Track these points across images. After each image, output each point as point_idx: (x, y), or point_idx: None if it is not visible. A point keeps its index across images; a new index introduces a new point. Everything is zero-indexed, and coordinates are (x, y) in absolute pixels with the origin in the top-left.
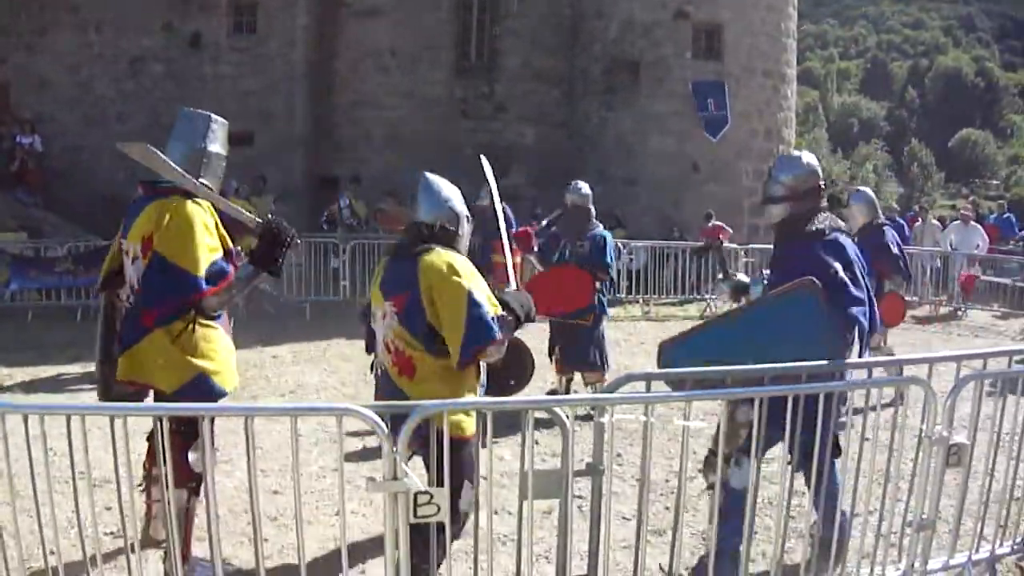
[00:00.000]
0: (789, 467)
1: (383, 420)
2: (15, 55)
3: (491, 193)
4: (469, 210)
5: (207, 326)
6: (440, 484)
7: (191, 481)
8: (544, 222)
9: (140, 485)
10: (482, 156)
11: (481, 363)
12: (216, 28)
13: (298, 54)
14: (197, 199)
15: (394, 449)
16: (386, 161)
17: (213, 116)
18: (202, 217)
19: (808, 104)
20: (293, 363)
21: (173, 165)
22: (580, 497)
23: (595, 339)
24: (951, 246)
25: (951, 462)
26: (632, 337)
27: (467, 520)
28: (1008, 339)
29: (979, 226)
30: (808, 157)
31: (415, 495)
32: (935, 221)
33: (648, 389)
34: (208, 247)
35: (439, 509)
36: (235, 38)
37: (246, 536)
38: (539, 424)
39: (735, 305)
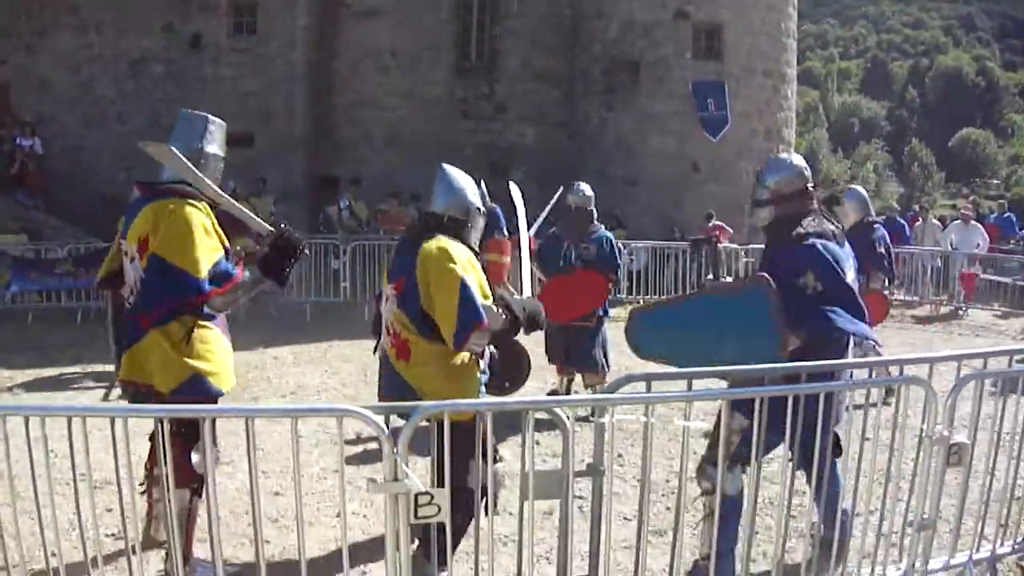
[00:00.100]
0: (790, 467)
1: (384, 421)
2: (15, 56)
3: (518, 219)
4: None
5: (204, 327)
6: (441, 485)
7: (193, 482)
8: (543, 215)
9: (142, 484)
10: (512, 183)
11: (485, 353)
12: (216, 29)
13: (298, 55)
14: (194, 200)
15: (395, 450)
16: (386, 161)
17: (211, 117)
18: (200, 218)
19: (808, 104)
20: (294, 364)
21: (193, 169)
22: (581, 497)
23: (598, 341)
24: (951, 246)
25: (952, 462)
26: None
27: (487, 497)
28: (1009, 338)
29: (979, 226)
30: (796, 159)
31: (416, 496)
32: (935, 221)
33: (648, 389)
34: (209, 248)
35: (440, 510)
36: (235, 39)
37: (247, 537)
38: (540, 425)
39: None
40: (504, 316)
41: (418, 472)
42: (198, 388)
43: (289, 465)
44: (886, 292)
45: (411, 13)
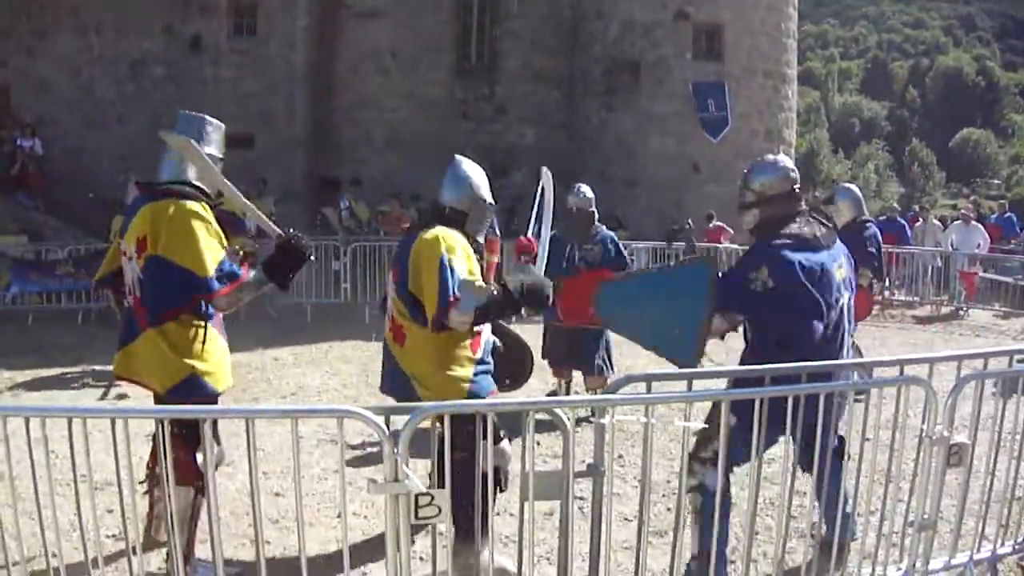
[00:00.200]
0: (790, 467)
1: (384, 422)
2: (15, 58)
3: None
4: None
5: (201, 327)
6: (441, 485)
7: (197, 479)
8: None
9: (142, 483)
10: (544, 169)
11: (480, 341)
12: (216, 30)
13: (298, 56)
14: (193, 201)
15: (395, 451)
16: (387, 162)
17: (209, 119)
18: (201, 218)
19: (809, 104)
20: (294, 365)
21: (212, 165)
22: (581, 498)
23: (601, 343)
24: (952, 246)
25: (952, 462)
26: None
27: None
28: (1009, 339)
29: (980, 226)
30: (783, 161)
31: (416, 496)
32: (936, 221)
33: (649, 390)
34: (212, 248)
35: (440, 511)
36: (235, 40)
37: (248, 538)
38: (540, 426)
39: None
40: (496, 291)
41: (418, 473)
42: (195, 388)
43: (290, 466)
44: (883, 290)
45: (411, 14)
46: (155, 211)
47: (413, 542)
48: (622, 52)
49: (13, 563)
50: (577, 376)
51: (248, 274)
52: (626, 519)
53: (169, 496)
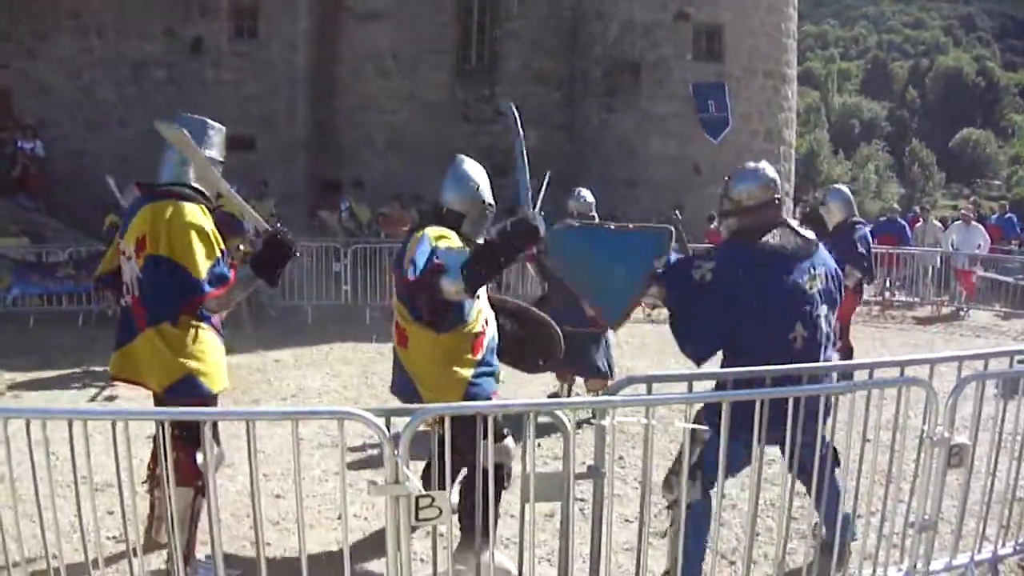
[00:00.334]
0: (791, 468)
1: (384, 424)
2: (16, 60)
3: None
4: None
5: (198, 327)
6: (442, 487)
7: (198, 479)
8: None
9: (144, 483)
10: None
11: (483, 343)
12: (217, 33)
13: (299, 58)
14: (192, 202)
15: (395, 453)
16: (388, 164)
17: (209, 122)
18: (199, 220)
19: (809, 105)
20: (295, 367)
21: (205, 159)
22: (582, 500)
23: (601, 345)
24: (952, 246)
25: (953, 463)
26: (634, 339)
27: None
28: (1010, 339)
29: (980, 226)
30: (764, 170)
31: (416, 498)
32: (937, 222)
33: (649, 391)
34: (208, 250)
35: (441, 512)
36: (236, 42)
37: (248, 539)
38: (541, 427)
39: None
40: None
41: (419, 475)
42: (191, 388)
43: (290, 467)
44: (883, 291)
45: (411, 16)
46: (154, 212)
47: (414, 540)
48: (622, 53)
49: (14, 564)
50: (578, 378)
51: (235, 275)
52: (627, 520)
53: (170, 497)
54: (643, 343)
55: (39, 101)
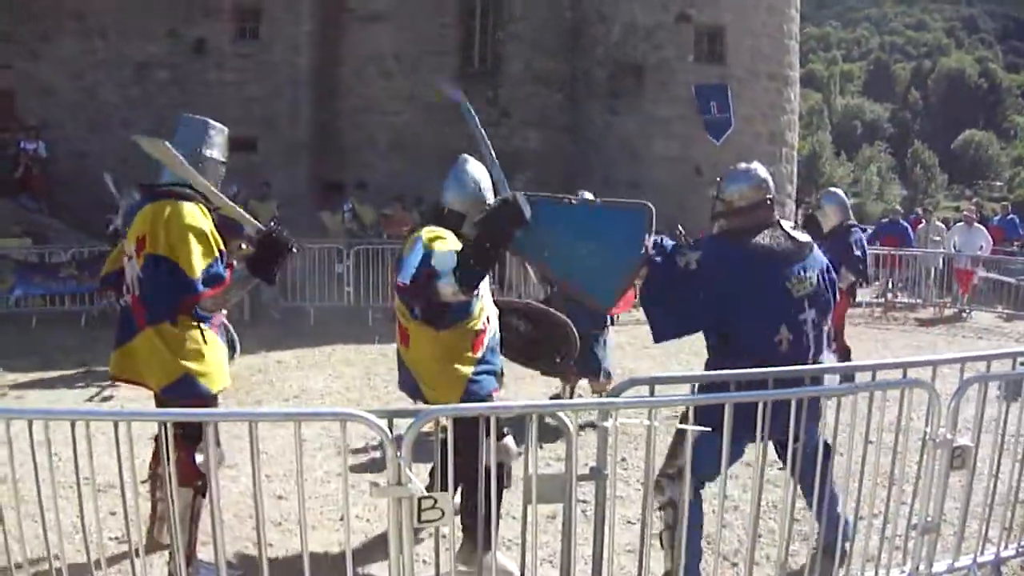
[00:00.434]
0: (792, 470)
1: (387, 425)
2: (19, 61)
3: (482, 142)
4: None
5: (197, 327)
6: (444, 488)
7: (197, 479)
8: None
9: (144, 483)
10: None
11: (483, 341)
12: (220, 34)
13: (302, 59)
14: (193, 202)
15: (398, 454)
16: (390, 166)
17: (211, 122)
18: (198, 220)
19: (811, 107)
20: (297, 368)
21: (186, 164)
22: (584, 501)
23: (603, 347)
24: (955, 248)
25: (955, 465)
26: (636, 341)
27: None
28: (1012, 341)
29: (982, 228)
30: (756, 171)
31: (419, 500)
32: (939, 223)
33: (652, 393)
34: (204, 250)
35: (443, 514)
36: (239, 44)
37: (250, 540)
38: (543, 429)
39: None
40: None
41: (420, 476)
42: (189, 388)
43: (292, 468)
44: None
45: (414, 17)
46: (154, 211)
47: (421, 540)
48: (625, 55)
49: (16, 565)
50: (581, 380)
51: (232, 275)
52: (629, 522)
53: (172, 498)
54: (645, 345)
55: (42, 102)
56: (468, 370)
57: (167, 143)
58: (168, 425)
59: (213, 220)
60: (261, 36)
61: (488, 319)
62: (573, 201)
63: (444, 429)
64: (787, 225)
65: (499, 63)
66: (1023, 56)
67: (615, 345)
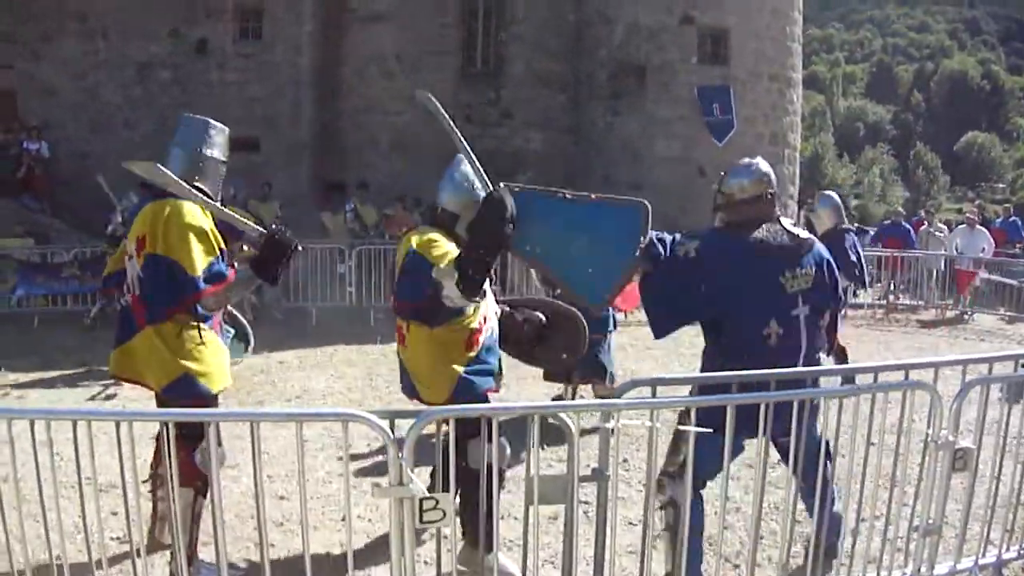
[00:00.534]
0: (795, 472)
1: (389, 426)
2: (21, 62)
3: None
4: None
5: (197, 327)
6: (446, 489)
7: (197, 480)
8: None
9: (145, 482)
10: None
11: (479, 340)
12: (222, 34)
13: (304, 60)
14: (191, 202)
15: (400, 455)
16: (392, 166)
17: (211, 122)
18: (198, 219)
19: (814, 108)
20: (299, 368)
21: (180, 182)
22: (586, 502)
23: (608, 352)
24: (957, 250)
25: (957, 467)
26: (638, 342)
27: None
28: (1014, 343)
29: (985, 230)
30: (758, 165)
31: (421, 500)
32: (941, 225)
33: (654, 394)
34: (204, 248)
35: (445, 515)
36: (241, 44)
37: (252, 541)
38: (545, 429)
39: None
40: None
41: (422, 477)
42: (189, 388)
43: (294, 469)
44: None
45: (415, 18)
46: (154, 211)
47: (423, 543)
48: (627, 56)
49: (18, 568)
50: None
51: (235, 274)
52: (630, 523)
53: (173, 498)
54: (647, 345)
55: (43, 102)
56: (461, 368)
57: (159, 165)
58: (170, 425)
59: (213, 219)
60: (263, 36)
61: (485, 318)
62: (567, 195)
63: (445, 432)
64: (787, 222)
65: (501, 64)
66: None
67: (616, 346)
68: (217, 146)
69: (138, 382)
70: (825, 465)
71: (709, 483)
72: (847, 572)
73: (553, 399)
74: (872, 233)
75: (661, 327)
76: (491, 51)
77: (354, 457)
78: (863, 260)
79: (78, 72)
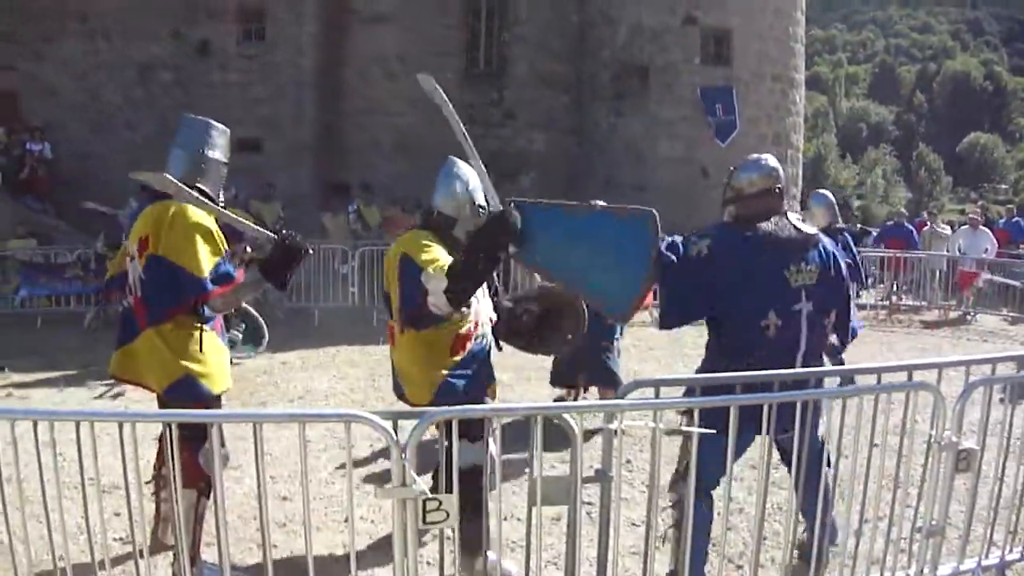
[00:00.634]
0: (796, 480)
1: (391, 427)
2: (23, 62)
3: (458, 124)
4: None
5: (198, 328)
6: (448, 490)
7: (201, 481)
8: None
9: (148, 483)
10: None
11: (465, 347)
12: (224, 35)
13: (306, 61)
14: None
15: (403, 455)
16: (394, 167)
17: (213, 123)
18: (203, 219)
19: (817, 109)
20: (302, 369)
21: (191, 191)
22: (589, 503)
23: (615, 359)
24: (959, 251)
25: (960, 467)
26: (641, 343)
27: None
28: (1018, 344)
29: (987, 231)
30: (767, 160)
31: (424, 501)
32: (944, 225)
33: (657, 395)
34: (211, 249)
35: (448, 515)
36: (243, 45)
37: (255, 542)
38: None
39: None
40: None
41: (424, 479)
42: (190, 389)
43: (297, 470)
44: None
45: (418, 19)
46: (157, 212)
47: (425, 544)
48: (631, 57)
49: (21, 569)
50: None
51: (244, 276)
52: (634, 524)
53: (176, 499)
54: (649, 347)
55: (45, 103)
56: (444, 372)
57: (166, 175)
58: (173, 426)
59: (216, 221)
60: (265, 37)
61: (476, 323)
62: (578, 206)
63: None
64: (794, 217)
65: (504, 65)
66: None
67: (621, 347)
68: (219, 147)
69: (139, 383)
70: (824, 471)
71: (671, 494)
72: (850, 573)
73: (555, 400)
74: (875, 234)
75: (670, 323)
76: (494, 52)
77: (357, 458)
78: (859, 260)
79: (79, 73)
